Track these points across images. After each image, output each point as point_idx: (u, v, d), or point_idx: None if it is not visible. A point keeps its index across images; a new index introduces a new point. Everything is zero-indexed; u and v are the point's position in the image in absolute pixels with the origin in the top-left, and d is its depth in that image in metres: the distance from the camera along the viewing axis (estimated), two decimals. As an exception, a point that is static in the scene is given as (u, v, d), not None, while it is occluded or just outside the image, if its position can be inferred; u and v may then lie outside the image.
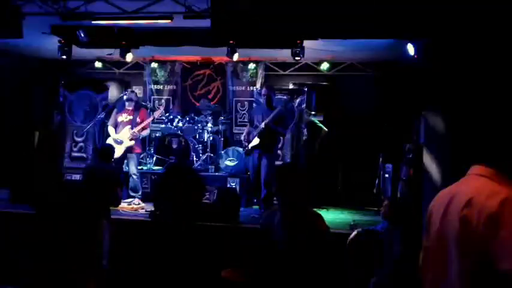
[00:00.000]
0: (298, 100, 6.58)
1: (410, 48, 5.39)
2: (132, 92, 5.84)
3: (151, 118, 5.97)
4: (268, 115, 5.29)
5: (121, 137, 5.59)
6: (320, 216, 2.44)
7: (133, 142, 5.61)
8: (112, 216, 4.25)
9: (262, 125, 5.20)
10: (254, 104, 6.99)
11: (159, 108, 6.37)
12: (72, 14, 5.12)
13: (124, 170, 5.89)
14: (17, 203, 5.24)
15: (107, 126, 5.93)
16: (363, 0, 4.15)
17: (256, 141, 5.31)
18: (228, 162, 6.44)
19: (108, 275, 3.81)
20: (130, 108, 5.74)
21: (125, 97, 5.74)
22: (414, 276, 1.88)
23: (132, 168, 5.62)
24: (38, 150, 7.57)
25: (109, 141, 5.63)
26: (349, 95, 6.97)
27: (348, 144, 6.66)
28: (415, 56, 5.36)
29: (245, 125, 7.39)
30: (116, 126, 5.74)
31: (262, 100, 5.42)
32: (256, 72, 7.43)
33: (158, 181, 5.08)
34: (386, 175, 5.90)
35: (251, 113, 5.71)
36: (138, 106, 5.92)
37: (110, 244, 3.88)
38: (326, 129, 6.26)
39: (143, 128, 5.73)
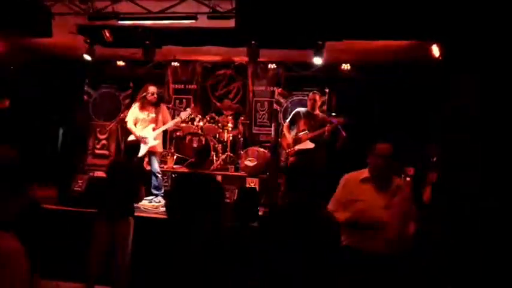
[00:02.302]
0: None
1: (435, 50, 5.31)
2: (152, 88, 5.64)
3: (177, 119, 5.93)
4: (313, 120, 5.56)
5: (145, 136, 5.48)
6: (331, 215, 2.54)
7: (157, 142, 5.57)
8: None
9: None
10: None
11: (186, 110, 6.34)
12: (99, 14, 5.23)
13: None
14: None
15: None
16: (387, 1, 4.11)
17: (310, 145, 5.53)
18: (247, 162, 6.46)
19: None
20: (151, 105, 5.64)
21: (147, 96, 5.67)
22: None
23: (155, 166, 5.57)
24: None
25: (132, 138, 5.51)
26: (370, 96, 6.90)
27: (368, 146, 6.57)
28: (440, 58, 5.28)
29: (265, 126, 7.44)
30: (135, 123, 5.63)
31: (308, 104, 5.68)
32: (277, 73, 7.44)
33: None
34: (408, 179, 5.80)
35: (293, 115, 5.83)
36: (159, 103, 5.79)
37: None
38: (344, 134, 6.25)
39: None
